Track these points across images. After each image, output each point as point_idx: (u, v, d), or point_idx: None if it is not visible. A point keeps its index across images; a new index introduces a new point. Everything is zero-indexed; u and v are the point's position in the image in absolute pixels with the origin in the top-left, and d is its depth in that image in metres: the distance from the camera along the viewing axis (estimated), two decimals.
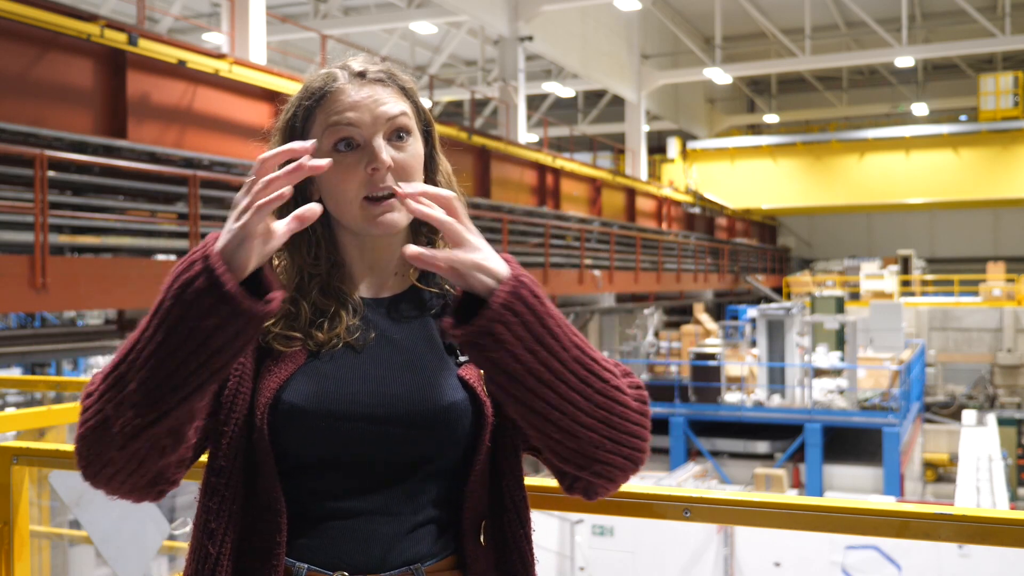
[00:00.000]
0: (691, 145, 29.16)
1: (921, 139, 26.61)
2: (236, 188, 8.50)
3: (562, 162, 18.75)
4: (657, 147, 29.60)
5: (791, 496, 1.69)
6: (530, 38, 17.79)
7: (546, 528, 9.70)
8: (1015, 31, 22.45)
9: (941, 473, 18.82)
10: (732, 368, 16.16)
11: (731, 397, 15.90)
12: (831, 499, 1.40)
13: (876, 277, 25.36)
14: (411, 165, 1.31)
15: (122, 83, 8.57)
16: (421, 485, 1.28)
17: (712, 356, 16.23)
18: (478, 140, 15.45)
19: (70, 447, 1.89)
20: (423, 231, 1.39)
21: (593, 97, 30.84)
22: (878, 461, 14.38)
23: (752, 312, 18.17)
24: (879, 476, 14.17)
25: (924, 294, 27.96)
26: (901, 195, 27.31)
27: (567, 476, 1.27)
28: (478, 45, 24.14)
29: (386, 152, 1.28)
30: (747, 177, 28.43)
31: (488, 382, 1.17)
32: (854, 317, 16.97)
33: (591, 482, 1.25)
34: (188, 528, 1.33)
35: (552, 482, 1.38)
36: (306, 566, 1.24)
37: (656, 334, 21.67)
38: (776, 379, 15.75)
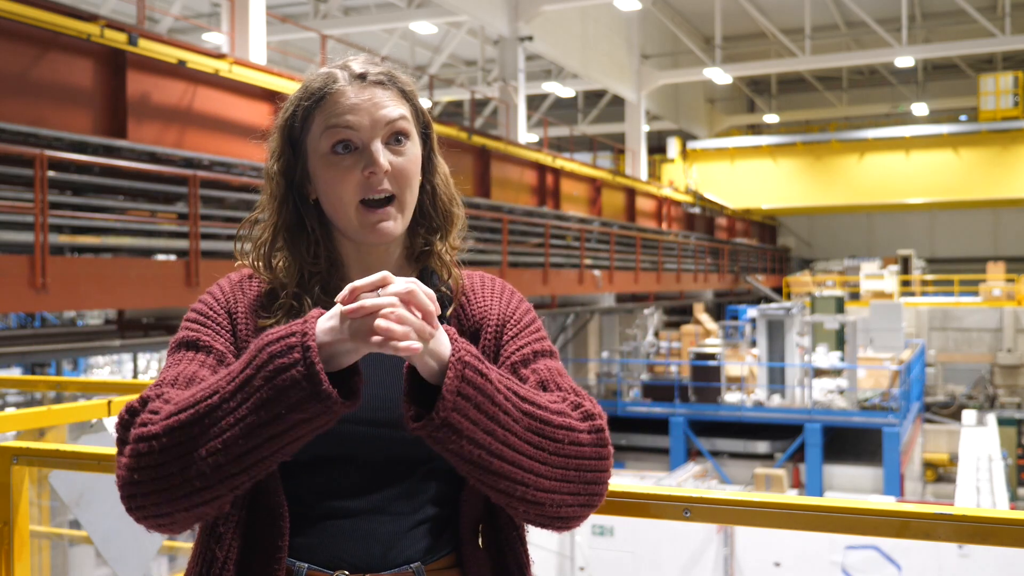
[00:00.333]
0: (691, 145, 29.15)
1: (921, 139, 26.61)
2: (236, 188, 8.53)
3: (562, 162, 18.75)
4: (657, 147, 29.59)
5: (791, 496, 1.69)
6: (530, 38, 17.79)
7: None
8: (1015, 31, 22.44)
9: (941, 473, 18.82)
10: (732, 368, 16.16)
11: (731, 397, 15.91)
12: (831, 499, 1.40)
13: (876, 277, 25.36)
14: (408, 169, 1.31)
15: (122, 83, 8.57)
16: (420, 484, 1.28)
17: (712, 356, 16.23)
18: (478, 140, 15.45)
19: (70, 447, 1.89)
20: (420, 232, 1.39)
21: (593, 97, 30.83)
22: (878, 461, 14.38)
23: (752, 312, 18.17)
24: (879, 476, 14.17)
25: (924, 294, 27.96)
26: (901, 195, 27.30)
27: None
28: (478, 45, 24.14)
29: (384, 156, 1.28)
30: (747, 177, 28.42)
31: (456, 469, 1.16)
32: (854, 317, 16.97)
33: (557, 529, 1.25)
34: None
35: None
36: (306, 565, 1.24)
37: (656, 334, 21.67)
38: (776, 379, 15.75)
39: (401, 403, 1.15)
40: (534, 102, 28.60)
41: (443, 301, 1.37)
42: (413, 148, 1.32)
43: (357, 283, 1.09)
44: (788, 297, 26.09)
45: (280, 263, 1.34)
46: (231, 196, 8.65)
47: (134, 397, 1.22)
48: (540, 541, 9.35)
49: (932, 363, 23.40)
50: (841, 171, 27.57)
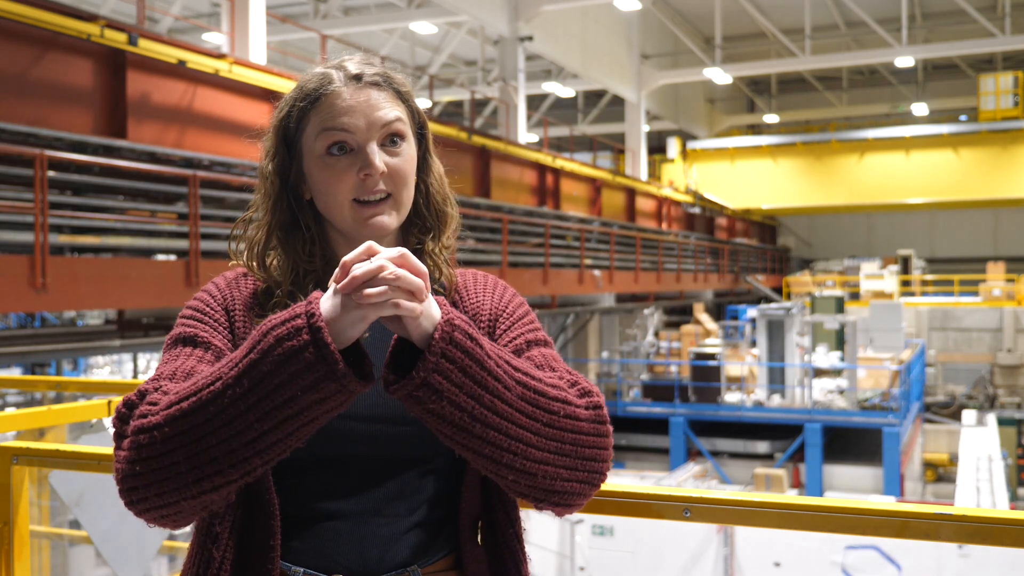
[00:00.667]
0: (691, 145, 29.15)
1: (921, 139, 26.60)
2: (236, 188, 8.54)
3: (562, 162, 18.75)
4: (657, 147, 29.59)
5: (791, 496, 1.69)
6: (530, 38, 17.79)
7: (546, 528, 9.70)
8: (1015, 31, 22.44)
9: (941, 473, 18.82)
10: (732, 368, 16.16)
11: (731, 397, 15.91)
12: (831, 499, 1.40)
13: (876, 277, 25.36)
14: (404, 170, 1.31)
15: (122, 83, 8.57)
16: (417, 484, 1.28)
17: (712, 356, 16.23)
18: (478, 140, 15.45)
19: (70, 447, 1.89)
20: (414, 231, 1.39)
21: (593, 97, 30.83)
22: (878, 461, 14.38)
23: (752, 312, 18.17)
24: (879, 476, 14.17)
25: (924, 294, 27.96)
26: (901, 195, 27.30)
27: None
28: (478, 45, 24.14)
29: (379, 158, 1.28)
30: (747, 177, 28.42)
31: (435, 432, 1.14)
32: (854, 317, 16.97)
33: (554, 506, 1.24)
34: (188, 529, 1.32)
35: None
36: (302, 570, 1.23)
37: (656, 334, 21.67)
38: (776, 379, 15.75)
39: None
40: (534, 102, 28.59)
41: (437, 295, 1.37)
42: (408, 149, 1.32)
43: (346, 258, 1.08)
44: (788, 297, 26.09)
45: (274, 262, 1.34)
46: (231, 196, 8.65)
47: (131, 393, 1.20)
48: (540, 541, 9.34)
49: (932, 363, 23.40)
50: (841, 171, 27.56)
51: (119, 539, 2.54)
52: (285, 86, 10.24)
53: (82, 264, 7.09)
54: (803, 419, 14.69)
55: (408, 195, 1.33)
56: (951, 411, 22.15)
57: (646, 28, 24.41)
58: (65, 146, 7.39)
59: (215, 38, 19.20)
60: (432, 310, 1.10)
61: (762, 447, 15.38)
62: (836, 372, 16.19)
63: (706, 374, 15.93)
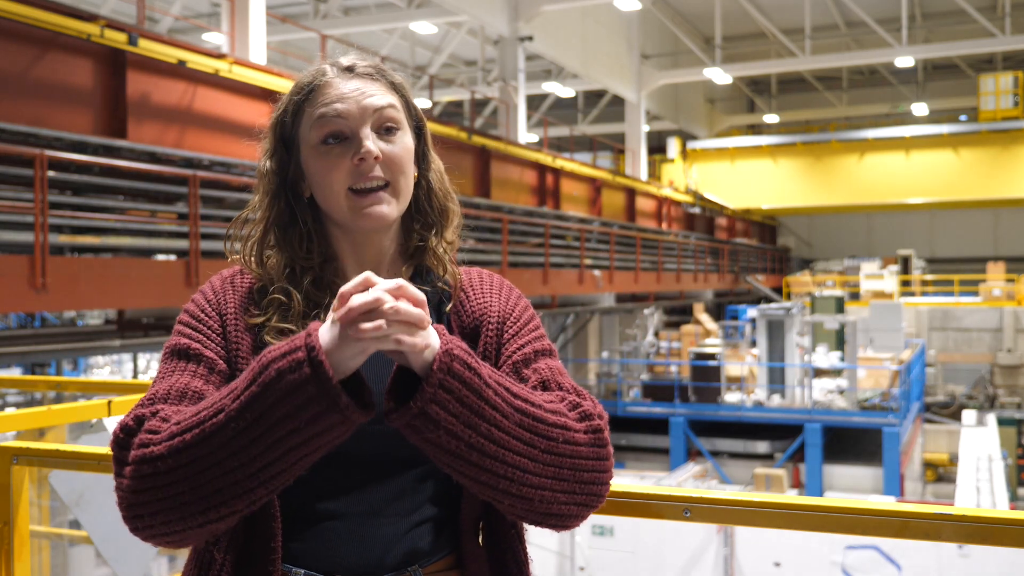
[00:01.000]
0: (691, 145, 29.14)
1: (921, 139, 26.60)
2: (236, 188, 8.53)
3: (562, 162, 18.74)
4: (657, 147, 29.58)
5: (791, 496, 1.69)
6: (530, 38, 17.78)
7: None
8: (1015, 31, 22.44)
9: (941, 473, 18.82)
10: (732, 368, 16.16)
11: (731, 397, 15.91)
12: (831, 499, 1.40)
13: (876, 277, 25.36)
14: (400, 157, 1.30)
15: (122, 83, 8.57)
16: (418, 484, 1.27)
17: (712, 356, 16.23)
18: (478, 140, 15.45)
19: (70, 447, 1.89)
20: (416, 228, 1.38)
21: (593, 97, 30.83)
22: (878, 461, 14.38)
23: (752, 312, 18.17)
24: (879, 476, 14.17)
25: (924, 294, 27.95)
26: (901, 195, 27.30)
27: None
28: (478, 45, 24.13)
29: (374, 143, 1.27)
30: (747, 177, 28.41)
31: (432, 459, 1.16)
32: (854, 317, 16.97)
33: (552, 527, 1.24)
34: None
35: None
36: (303, 571, 1.23)
37: (656, 334, 21.66)
38: (776, 379, 15.75)
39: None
40: (534, 102, 28.59)
41: (441, 297, 1.37)
42: (404, 138, 1.32)
43: (343, 288, 1.08)
44: (788, 297, 26.09)
45: (272, 260, 1.34)
46: (231, 196, 8.65)
47: (126, 414, 1.19)
48: (540, 541, 9.34)
49: (932, 363, 23.40)
50: (841, 171, 27.56)
51: (119, 539, 2.54)
52: (285, 86, 10.20)
53: (82, 264, 7.09)
54: (803, 419, 14.69)
55: (406, 184, 1.32)
56: (951, 411, 22.15)
57: (646, 28, 24.41)
58: (65, 146, 7.39)
59: (215, 38, 19.19)
60: (432, 339, 1.10)
61: (762, 447, 15.38)
62: (836, 372, 16.18)
63: (706, 374, 15.93)
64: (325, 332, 1.08)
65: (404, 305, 1.06)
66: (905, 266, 28.66)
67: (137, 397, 2.67)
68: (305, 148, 1.31)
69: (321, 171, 1.29)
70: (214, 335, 1.29)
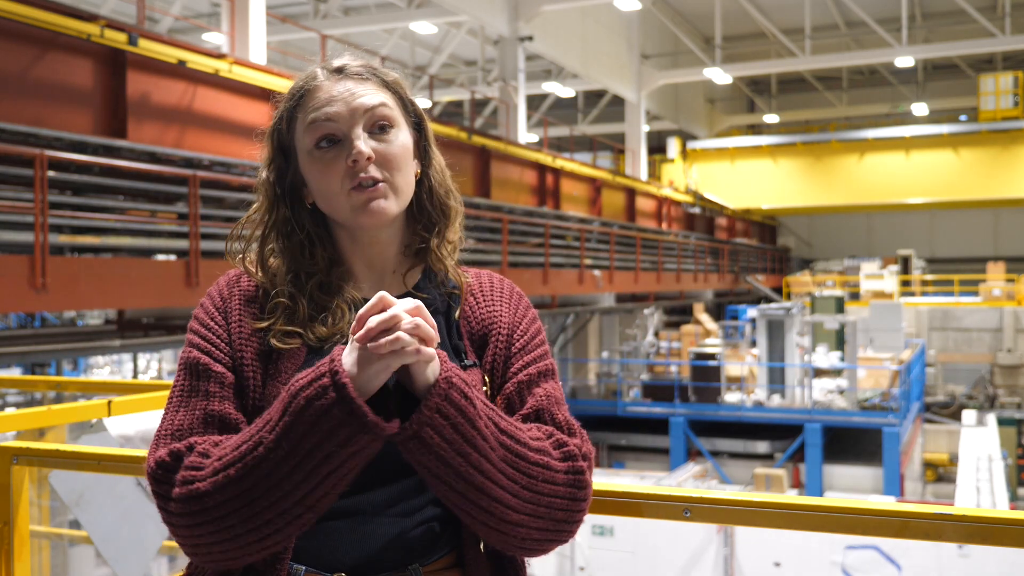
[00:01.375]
0: (691, 145, 29.14)
1: (921, 139, 26.60)
2: (236, 188, 8.53)
3: (562, 162, 18.74)
4: (657, 147, 29.58)
5: (791, 496, 1.69)
6: (530, 38, 17.78)
7: None
8: (1015, 31, 22.43)
9: (941, 473, 18.82)
10: (732, 368, 16.16)
11: (731, 397, 15.91)
12: (831, 499, 1.40)
13: (876, 277, 25.36)
14: (396, 155, 1.30)
15: (122, 83, 8.56)
16: (419, 484, 1.27)
17: (712, 356, 16.23)
18: (478, 140, 15.45)
19: (70, 447, 1.89)
20: (418, 228, 1.38)
21: (593, 97, 30.83)
22: (878, 461, 14.38)
23: (752, 312, 18.17)
24: (879, 476, 14.17)
25: (924, 294, 27.95)
26: (901, 195, 27.30)
27: None
28: (478, 45, 24.13)
29: (365, 143, 1.27)
30: (747, 177, 28.41)
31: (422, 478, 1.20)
32: (854, 317, 16.97)
33: (520, 553, 1.28)
34: None
35: None
36: (304, 568, 1.23)
37: (656, 334, 21.66)
38: (776, 379, 15.74)
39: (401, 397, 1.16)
40: (534, 102, 28.59)
41: (450, 302, 1.37)
42: (400, 136, 1.32)
43: (361, 311, 1.12)
44: (788, 297, 26.09)
45: (275, 265, 1.34)
46: (231, 196, 8.65)
47: (155, 445, 1.24)
48: None
49: (932, 363, 23.40)
50: (841, 171, 27.56)
51: (119, 539, 2.54)
52: (285, 86, 10.06)
53: (82, 264, 7.09)
54: (803, 419, 14.69)
55: (404, 181, 1.32)
56: (951, 411, 22.15)
57: (646, 28, 24.41)
58: (65, 146, 7.39)
59: (215, 38, 19.19)
60: (433, 368, 1.14)
61: (762, 447, 15.38)
62: (836, 372, 16.18)
63: (706, 374, 15.93)
64: (348, 355, 1.12)
65: (421, 322, 1.10)
66: (905, 266, 28.66)
67: (137, 397, 2.67)
68: (301, 154, 1.32)
69: (318, 175, 1.29)
70: (223, 344, 1.29)
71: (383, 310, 1.11)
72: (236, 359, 1.28)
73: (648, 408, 16.44)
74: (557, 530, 1.23)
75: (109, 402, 2.59)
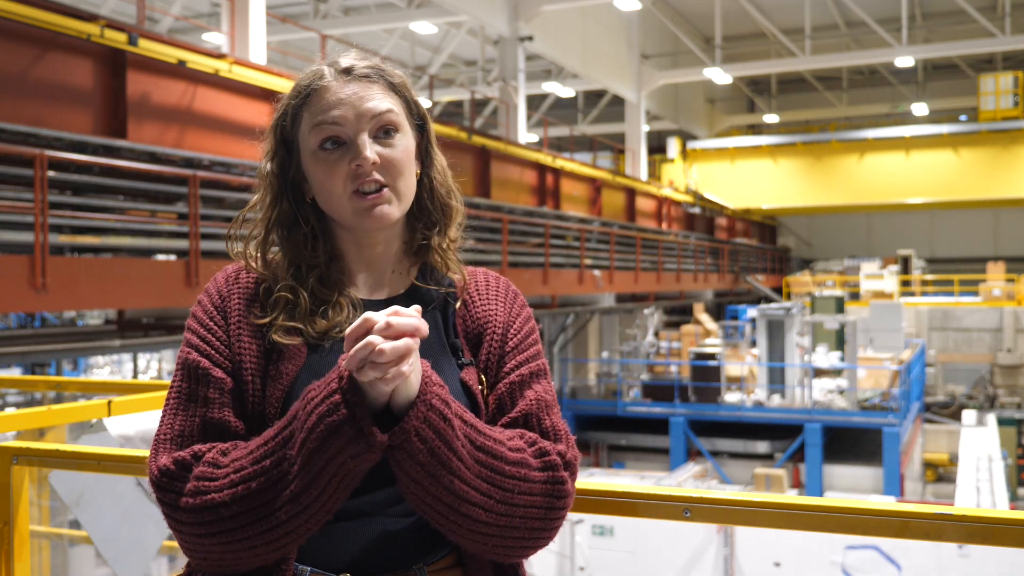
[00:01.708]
0: (691, 145, 29.14)
1: (921, 139, 26.60)
2: (236, 188, 8.53)
3: (562, 162, 18.74)
4: (657, 147, 29.58)
5: (791, 496, 1.69)
6: (530, 38, 17.78)
7: None
8: (1015, 31, 22.43)
9: (941, 473, 18.81)
10: (732, 368, 16.16)
11: (731, 397, 15.90)
12: (831, 499, 1.40)
13: (876, 277, 25.35)
14: (399, 160, 1.30)
15: (122, 83, 8.56)
16: None
17: (712, 356, 16.23)
18: (478, 140, 15.45)
19: (70, 447, 1.89)
20: (419, 227, 1.39)
21: (593, 97, 30.83)
22: (878, 461, 14.38)
23: (752, 312, 18.17)
24: (879, 476, 14.17)
25: (924, 294, 27.95)
26: (901, 195, 27.30)
27: None
28: (478, 45, 24.13)
29: (370, 149, 1.28)
30: (747, 177, 28.41)
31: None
32: (854, 317, 16.97)
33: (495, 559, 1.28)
34: None
35: None
36: (308, 568, 1.24)
37: (656, 334, 21.66)
38: (776, 379, 15.74)
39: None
40: (534, 102, 28.59)
41: (447, 298, 1.37)
42: (403, 140, 1.32)
43: (347, 331, 1.12)
44: (788, 297, 26.09)
45: (275, 258, 1.35)
46: (231, 196, 8.65)
47: (155, 452, 1.24)
48: None
49: (932, 363, 23.39)
50: (841, 171, 27.56)
51: (119, 539, 2.54)
52: (285, 86, 10.20)
53: (82, 264, 7.09)
54: (803, 419, 14.69)
55: (406, 186, 1.32)
56: (951, 411, 22.15)
57: (646, 28, 24.41)
58: (65, 146, 7.39)
59: (215, 38, 19.19)
60: (413, 384, 1.14)
61: (762, 447, 15.38)
62: (836, 372, 16.18)
63: (706, 374, 15.93)
64: (357, 365, 1.13)
65: (389, 344, 1.09)
66: (905, 266, 28.66)
67: (137, 397, 2.67)
68: (305, 152, 1.32)
69: (321, 176, 1.30)
70: (222, 346, 1.29)
71: (367, 332, 1.10)
72: (235, 362, 1.28)
73: (648, 408, 16.44)
74: (533, 538, 1.24)
75: (109, 402, 2.59)
